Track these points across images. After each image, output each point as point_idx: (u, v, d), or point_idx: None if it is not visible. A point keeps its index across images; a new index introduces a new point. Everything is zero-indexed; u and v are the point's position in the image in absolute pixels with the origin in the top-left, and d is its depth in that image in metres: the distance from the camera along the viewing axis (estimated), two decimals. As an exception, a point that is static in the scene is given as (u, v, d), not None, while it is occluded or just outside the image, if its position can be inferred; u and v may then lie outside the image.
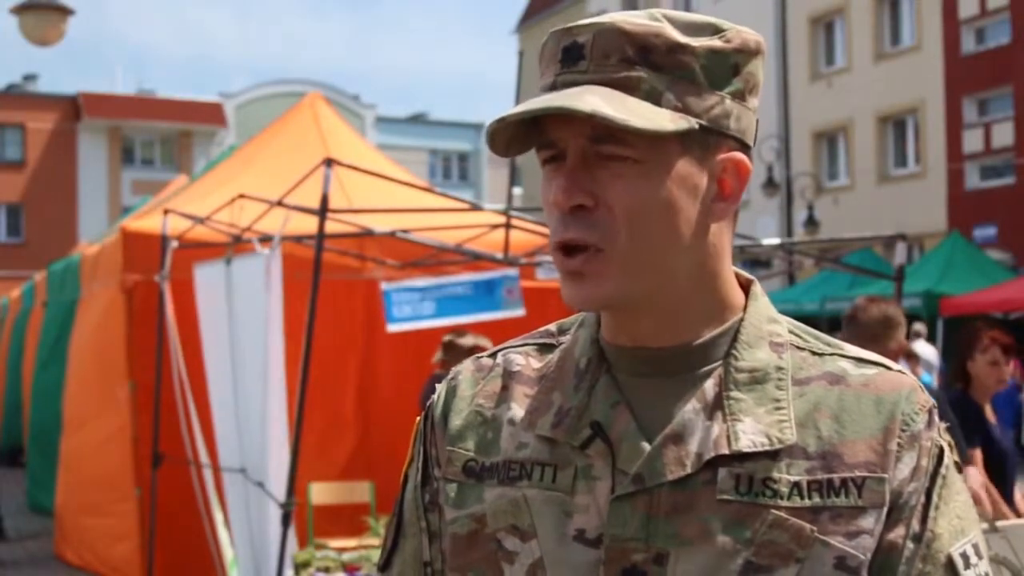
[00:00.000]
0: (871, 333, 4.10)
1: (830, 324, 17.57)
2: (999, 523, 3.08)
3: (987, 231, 21.88)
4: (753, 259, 20.55)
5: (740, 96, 1.09)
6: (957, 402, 4.56)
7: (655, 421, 1.08)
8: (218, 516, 6.07)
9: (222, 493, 6.11)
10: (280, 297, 5.13)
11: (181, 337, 6.47)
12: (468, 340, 6.32)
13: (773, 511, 1.03)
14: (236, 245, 6.03)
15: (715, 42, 1.07)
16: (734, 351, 1.10)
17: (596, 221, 1.05)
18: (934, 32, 23.49)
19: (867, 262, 14.55)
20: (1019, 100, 21.77)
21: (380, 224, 6.34)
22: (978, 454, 4.48)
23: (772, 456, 1.05)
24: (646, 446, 1.06)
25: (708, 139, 1.07)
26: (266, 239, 5.27)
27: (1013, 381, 11.67)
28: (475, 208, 6.68)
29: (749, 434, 1.05)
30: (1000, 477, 4.58)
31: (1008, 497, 4.63)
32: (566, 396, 1.13)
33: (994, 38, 22.57)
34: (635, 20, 1.06)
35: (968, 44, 22.99)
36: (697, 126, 1.05)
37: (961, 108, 22.85)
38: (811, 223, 22.15)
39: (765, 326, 1.12)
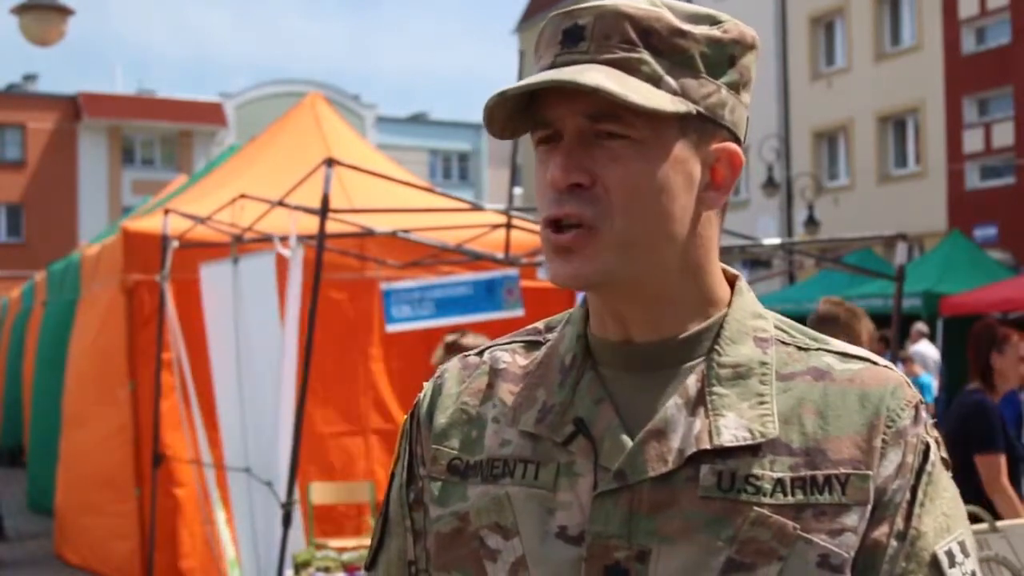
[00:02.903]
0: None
1: (830, 324, 17.53)
2: (999, 523, 3.07)
3: (987, 231, 21.88)
4: (753, 259, 20.55)
5: (735, 88, 1.09)
6: (980, 405, 4.50)
7: (638, 417, 1.07)
8: (220, 515, 6.06)
9: (225, 492, 6.10)
10: (298, 296, 5.13)
11: (183, 337, 6.47)
12: (470, 340, 6.28)
13: (755, 508, 1.02)
14: (240, 245, 6.02)
15: (714, 31, 1.08)
16: (717, 346, 1.09)
17: (592, 199, 1.05)
18: (934, 32, 23.49)
19: (867, 262, 14.55)
20: (1019, 100, 21.77)
21: (381, 224, 6.34)
22: (1004, 461, 4.39)
23: (754, 452, 1.04)
24: (628, 442, 1.06)
25: (704, 126, 1.07)
26: (284, 239, 5.26)
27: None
28: (476, 208, 6.67)
29: (731, 429, 1.04)
30: (1015, 479, 4.55)
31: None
32: (550, 392, 1.13)
33: (994, 38, 22.57)
34: (636, 4, 1.06)
35: (968, 44, 22.99)
36: (695, 111, 1.06)
37: (961, 108, 22.85)
38: (811, 223, 22.14)
39: (750, 321, 1.12)
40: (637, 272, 1.07)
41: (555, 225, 1.07)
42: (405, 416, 1.25)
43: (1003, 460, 4.37)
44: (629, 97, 1.00)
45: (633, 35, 1.05)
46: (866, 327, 4.17)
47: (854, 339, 4.05)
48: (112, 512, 7.64)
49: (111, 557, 7.75)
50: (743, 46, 1.10)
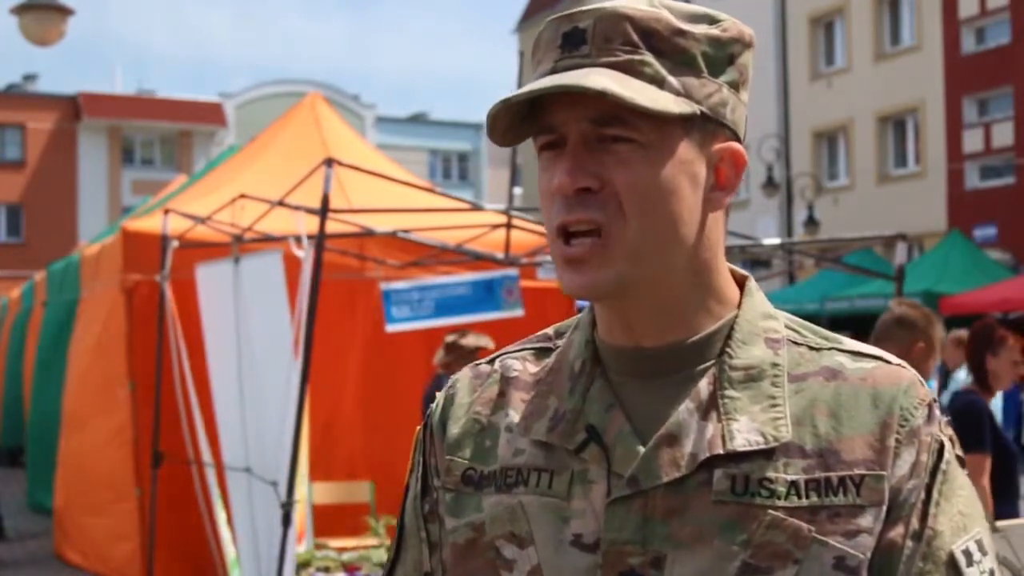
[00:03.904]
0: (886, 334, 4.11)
1: (830, 324, 17.59)
2: (999, 523, 3.08)
3: (987, 231, 21.89)
4: (753, 259, 20.55)
5: (735, 87, 1.09)
6: (971, 405, 4.52)
7: (650, 423, 1.07)
8: (221, 515, 6.05)
9: (226, 492, 6.10)
10: (307, 296, 5.11)
11: (184, 336, 6.46)
12: (470, 340, 6.29)
13: (770, 512, 1.01)
14: (241, 245, 6.02)
15: (714, 30, 1.07)
16: (728, 349, 1.09)
17: (602, 204, 1.04)
18: (934, 32, 23.50)
19: (867, 262, 14.56)
20: (1019, 100, 21.78)
21: (381, 224, 6.34)
22: (988, 463, 4.42)
23: (768, 455, 1.03)
24: (641, 448, 1.05)
25: (707, 126, 1.07)
26: (296, 239, 5.26)
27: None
28: (476, 208, 6.67)
29: (744, 433, 1.04)
30: (1010, 478, 4.57)
31: (1017, 498, 4.62)
32: (561, 400, 1.12)
33: (994, 38, 22.59)
34: (636, 5, 1.05)
35: (968, 44, 23.00)
36: (699, 112, 1.05)
37: (961, 108, 22.86)
38: (811, 223, 22.16)
39: (760, 322, 1.11)
40: (649, 278, 1.06)
41: (565, 236, 1.05)
42: (418, 427, 1.25)
43: (987, 462, 4.38)
44: (636, 100, 0.99)
45: (634, 36, 1.04)
46: (939, 333, 4.21)
47: (930, 344, 4.12)
48: (112, 512, 7.63)
49: (111, 557, 7.75)
50: (742, 44, 1.09)
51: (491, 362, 1.22)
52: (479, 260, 6.55)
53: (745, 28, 1.10)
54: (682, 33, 1.05)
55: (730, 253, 1.07)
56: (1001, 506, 4.37)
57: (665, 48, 1.04)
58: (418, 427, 1.25)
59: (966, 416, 4.46)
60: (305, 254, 5.11)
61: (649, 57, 1.04)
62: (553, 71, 1.06)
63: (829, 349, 1.11)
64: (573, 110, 1.04)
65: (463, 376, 1.23)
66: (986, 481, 4.36)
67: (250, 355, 5.65)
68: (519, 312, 6.46)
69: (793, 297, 19.32)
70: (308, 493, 6.86)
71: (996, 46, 22.33)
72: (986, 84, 22.40)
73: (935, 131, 23.47)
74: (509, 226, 6.58)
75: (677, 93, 1.04)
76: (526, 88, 1.03)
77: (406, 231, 6.27)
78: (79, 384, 8.54)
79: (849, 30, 25.57)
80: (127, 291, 7.36)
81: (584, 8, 1.06)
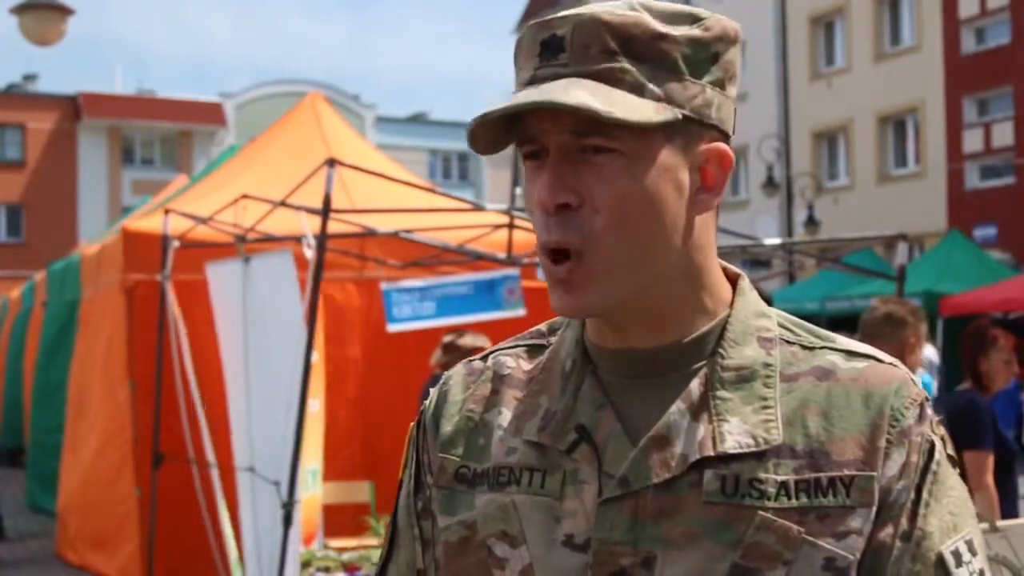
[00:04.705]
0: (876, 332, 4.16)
1: (830, 323, 17.58)
2: (999, 523, 3.08)
3: (987, 231, 21.90)
4: (753, 259, 20.56)
5: (720, 85, 1.08)
6: (971, 403, 4.53)
7: (641, 423, 1.07)
8: (224, 514, 6.05)
9: (229, 492, 6.09)
10: (311, 296, 5.11)
11: (186, 336, 6.46)
12: (468, 340, 6.29)
13: (760, 513, 1.01)
14: (246, 245, 6.01)
15: (695, 31, 1.06)
16: (721, 349, 1.08)
17: (580, 222, 1.03)
18: (934, 32, 23.51)
19: (867, 262, 14.56)
20: (1019, 100, 21.79)
21: (382, 224, 6.34)
22: (991, 460, 4.42)
23: (759, 456, 1.03)
24: (631, 449, 1.05)
25: (690, 129, 1.05)
26: (300, 239, 5.25)
27: (1015, 381, 11.66)
28: (478, 208, 6.68)
29: (735, 435, 1.04)
30: (1010, 478, 4.58)
31: (1015, 497, 4.63)
32: (552, 399, 1.12)
33: (994, 38, 22.60)
34: (614, 10, 1.04)
35: (968, 44, 23.01)
36: (680, 116, 1.04)
37: (961, 108, 22.87)
38: (811, 223, 22.17)
39: (753, 321, 1.11)
40: (635, 288, 1.06)
41: (551, 255, 1.05)
42: (412, 424, 1.24)
43: (990, 459, 4.39)
44: (613, 113, 0.99)
45: (613, 44, 1.02)
46: (924, 327, 4.30)
47: (919, 339, 4.24)
48: (112, 512, 7.64)
49: (111, 557, 7.75)
50: (726, 42, 1.08)
51: (484, 359, 1.22)
52: (480, 260, 6.55)
53: (729, 24, 1.09)
54: (662, 37, 1.04)
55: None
56: (1001, 505, 4.37)
57: (644, 54, 1.03)
58: (412, 423, 1.24)
59: (966, 415, 4.47)
60: (312, 253, 5.10)
61: (628, 64, 1.03)
62: (532, 80, 1.05)
63: (822, 348, 1.10)
64: (553, 121, 1.03)
65: (456, 373, 1.22)
66: (990, 479, 4.37)
67: (260, 354, 5.65)
68: (521, 312, 6.45)
69: (793, 297, 19.32)
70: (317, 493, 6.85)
71: (996, 46, 22.34)
72: (986, 84, 22.41)
73: (935, 131, 23.48)
74: (511, 226, 6.58)
75: (657, 99, 1.03)
76: (503, 105, 1.02)
77: (408, 231, 6.27)
78: (81, 385, 8.54)
79: (849, 30, 25.57)
80: (127, 291, 7.36)
81: (561, 14, 1.05)
